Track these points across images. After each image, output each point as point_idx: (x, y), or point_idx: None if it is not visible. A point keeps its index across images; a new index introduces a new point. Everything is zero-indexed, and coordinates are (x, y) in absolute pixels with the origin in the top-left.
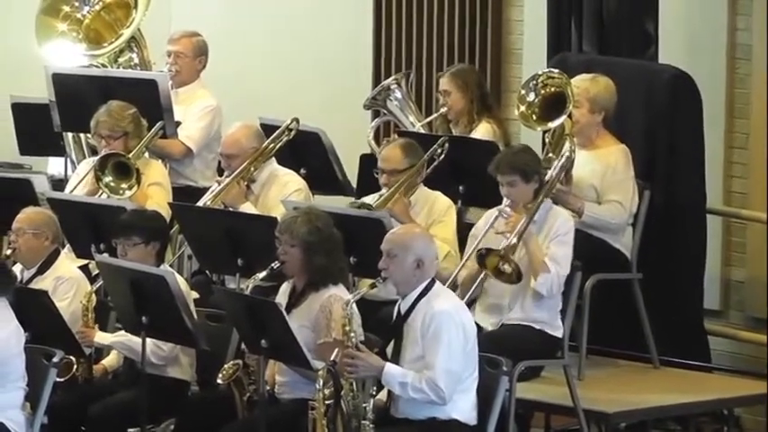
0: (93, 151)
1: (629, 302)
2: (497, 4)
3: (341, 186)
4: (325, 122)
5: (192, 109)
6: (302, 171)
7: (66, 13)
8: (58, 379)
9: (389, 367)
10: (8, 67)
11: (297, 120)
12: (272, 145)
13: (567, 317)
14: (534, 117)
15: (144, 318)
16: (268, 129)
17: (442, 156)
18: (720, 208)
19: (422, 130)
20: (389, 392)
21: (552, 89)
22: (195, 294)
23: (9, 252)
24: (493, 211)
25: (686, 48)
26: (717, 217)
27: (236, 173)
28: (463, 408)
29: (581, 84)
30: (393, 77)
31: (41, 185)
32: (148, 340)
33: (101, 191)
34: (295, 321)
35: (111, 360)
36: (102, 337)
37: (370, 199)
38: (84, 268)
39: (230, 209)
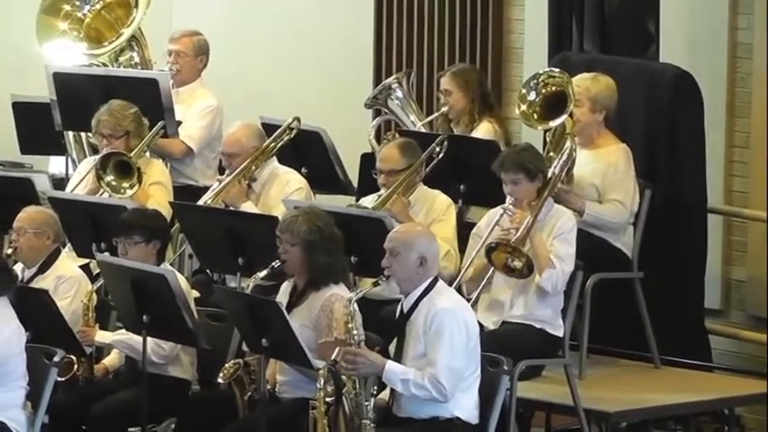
0: (94, 150)
1: (630, 302)
2: (498, 3)
3: (342, 186)
4: (327, 121)
5: (192, 108)
6: (303, 170)
7: (67, 12)
8: (58, 378)
9: (391, 365)
10: (9, 66)
11: (298, 119)
12: (273, 144)
13: (567, 316)
14: (535, 116)
15: (145, 317)
16: (269, 128)
17: (441, 154)
18: (721, 207)
19: (423, 130)
20: (392, 392)
21: (553, 88)
22: (196, 293)
23: (10, 251)
24: (496, 211)
25: (687, 47)
26: (718, 216)
27: (237, 171)
28: (465, 406)
29: (582, 83)
30: (394, 77)
31: (42, 184)
32: (149, 339)
33: (102, 190)
34: (296, 320)
35: (111, 359)
36: (102, 337)
37: (368, 201)
38: (85, 267)
39: (231, 208)
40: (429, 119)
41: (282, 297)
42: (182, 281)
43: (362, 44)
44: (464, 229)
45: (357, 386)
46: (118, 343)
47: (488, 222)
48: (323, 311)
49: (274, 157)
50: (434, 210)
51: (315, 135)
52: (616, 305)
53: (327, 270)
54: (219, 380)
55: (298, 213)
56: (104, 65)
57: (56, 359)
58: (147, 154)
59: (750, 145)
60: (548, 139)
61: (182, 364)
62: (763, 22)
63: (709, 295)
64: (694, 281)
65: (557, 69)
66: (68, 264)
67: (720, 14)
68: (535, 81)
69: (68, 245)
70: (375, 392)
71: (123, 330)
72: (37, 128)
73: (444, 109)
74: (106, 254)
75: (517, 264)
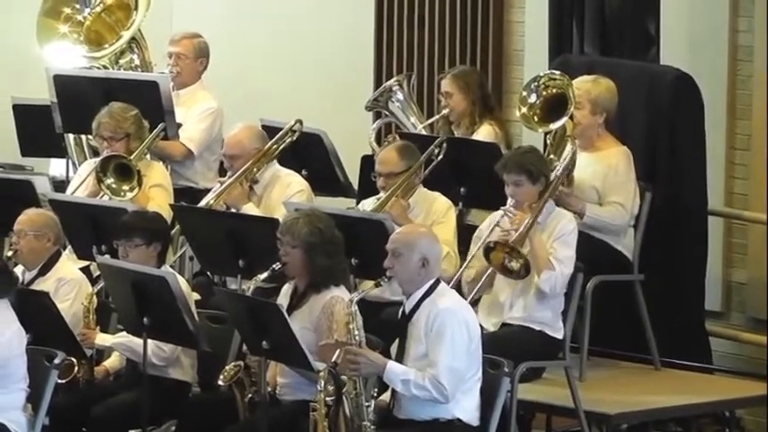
0: (95, 153)
1: (631, 304)
2: (499, 5)
3: (342, 188)
4: (327, 124)
5: (193, 111)
6: (303, 172)
7: (67, 15)
8: (59, 380)
9: (392, 365)
10: (9, 68)
11: (300, 121)
12: (275, 146)
13: (568, 318)
14: (536, 119)
15: (145, 319)
16: (270, 130)
17: (440, 156)
18: (722, 209)
19: (423, 132)
20: (392, 393)
21: (554, 91)
22: (196, 296)
23: (10, 253)
24: (497, 213)
25: (688, 49)
26: (718, 218)
27: (238, 173)
28: (467, 408)
29: (582, 85)
30: (395, 79)
31: (43, 187)
32: (150, 342)
33: (102, 192)
34: (296, 323)
35: (112, 361)
36: (103, 339)
37: (368, 203)
38: (85, 270)
39: (232, 210)
40: (430, 121)
41: (283, 299)
42: (182, 283)
43: (363, 46)
44: (464, 232)
45: (357, 388)
46: (118, 345)
47: (490, 225)
48: (323, 314)
49: (275, 160)
50: (434, 212)
51: (315, 137)
52: (617, 307)
53: (328, 272)
54: (220, 382)
55: (298, 215)
56: (105, 67)
57: (56, 361)
58: (148, 156)
59: (751, 147)
60: (548, 141)
61: (182, 367)
62: (764, 25)
63: (709, 297)
64: (695, 283)
65: (557, 72)
66: (69, 266)
67: (721, 16)
68: (536, 83)
69: (69, 247)
70: (375, 394)
71: (124, 333)
72: (37, 130)
73: (445, 111)
74: (107, 256)
75: (514, 264)
